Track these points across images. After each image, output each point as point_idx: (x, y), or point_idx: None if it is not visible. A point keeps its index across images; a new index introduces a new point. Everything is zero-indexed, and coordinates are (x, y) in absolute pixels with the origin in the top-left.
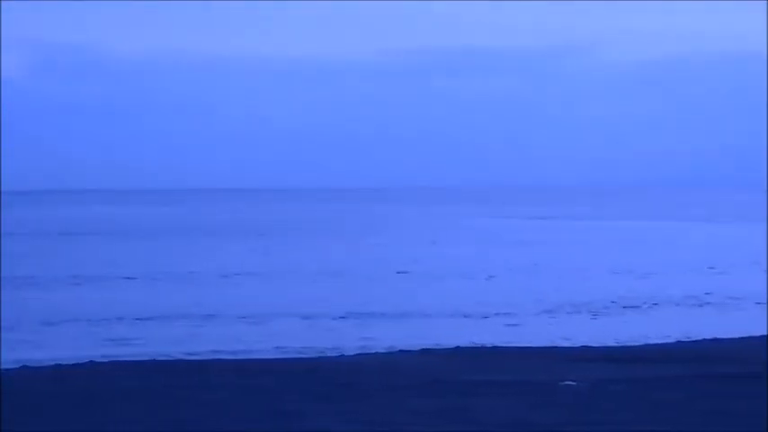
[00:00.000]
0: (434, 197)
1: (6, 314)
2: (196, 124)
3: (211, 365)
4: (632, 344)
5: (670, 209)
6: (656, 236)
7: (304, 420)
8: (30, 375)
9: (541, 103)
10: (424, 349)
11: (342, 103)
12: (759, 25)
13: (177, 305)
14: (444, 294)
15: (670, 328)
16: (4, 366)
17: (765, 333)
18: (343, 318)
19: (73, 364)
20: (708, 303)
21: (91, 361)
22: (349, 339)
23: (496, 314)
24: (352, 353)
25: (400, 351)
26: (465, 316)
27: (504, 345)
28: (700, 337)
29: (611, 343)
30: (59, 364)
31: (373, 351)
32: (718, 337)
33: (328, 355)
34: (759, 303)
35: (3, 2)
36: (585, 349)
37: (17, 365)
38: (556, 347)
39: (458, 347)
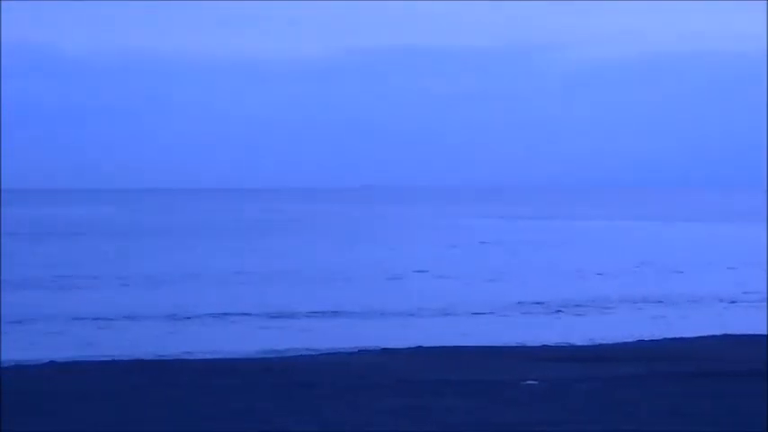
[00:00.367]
0: (399, 196)
1: None
2: (156, 124)
3: (172, 365)
4: (594, 343)
5: (637, 209)
6: (620, 236)
7: (264, 420)
8: None
9: (509, 101)
10: (384, 349)
11: (289, 102)
12: (716, 26)
13: (140, 306)
14: (406, 294)
15: (631, 328)
16: None
17: (725, 333)
18: (304, 317)
19: (34, 365)
20: (668, 303)
21: (51, 361)
22: (310, 339)
23: (458, 313)
24: (312, 353)
25: (361, 351)
26: (427, 315)
27: (466, 344)
28: (660, 337)
29: (572, 342)
30: (20, 365)
31: (334, 351)
32: (677, 336)
33: (289, 355)
34: (721, 302)
35: None
36: (547, 349)
37: None
38: (518, 347)
39: (419, 347)
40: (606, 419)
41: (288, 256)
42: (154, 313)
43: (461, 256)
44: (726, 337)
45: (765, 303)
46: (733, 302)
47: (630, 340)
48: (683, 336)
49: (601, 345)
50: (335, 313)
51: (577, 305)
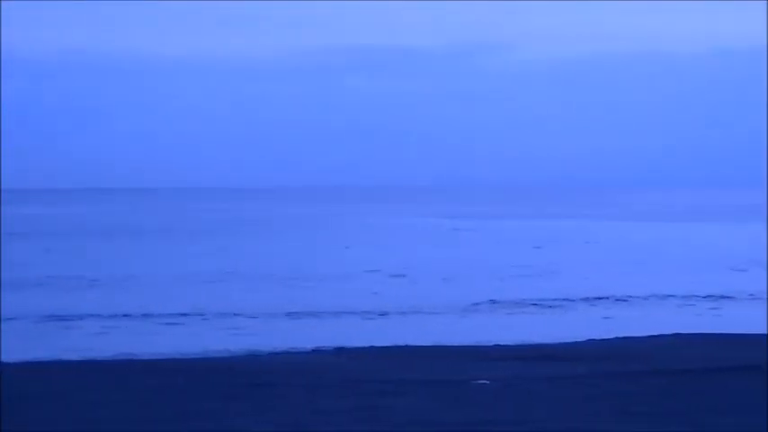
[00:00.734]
0: (350, 196)
1: None
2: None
3: (122, 365)
4: (544, 342)
5: (590, 207)
6: (572, 235)
7: (216, 420)
8: None
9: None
10: (337, 348)
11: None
12: (670, 27)
13: (92, 305)
14: (357, 294)
15: (581, 327)
16: None
17: (676, 332)
18: (256, 317)
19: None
20: (620, 301)
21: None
22: (262, 339)
23: (409, 313)
24: (265, 352)
25: (314, 350)
26: (378, 315)
27: (419, 344)
28: (611, 336)
29: (526, 342)
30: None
31: (287, 350)
32: (628, 335)
33: (241, 354)
34: (670, 299)
35: None
36: (498, 348)
37: None
38: (469, 346)
39: (371, 347)
40: (556, 418)
41: (244, 256)
42: (94, 313)
43: (415, 255)
44: (677, 336)
45: (719, 302)
46: (687, 302)
47: (581, 339)
48: (635, 335)
49: (551, 344)
50: (290, 314)
51: (533, 304)
